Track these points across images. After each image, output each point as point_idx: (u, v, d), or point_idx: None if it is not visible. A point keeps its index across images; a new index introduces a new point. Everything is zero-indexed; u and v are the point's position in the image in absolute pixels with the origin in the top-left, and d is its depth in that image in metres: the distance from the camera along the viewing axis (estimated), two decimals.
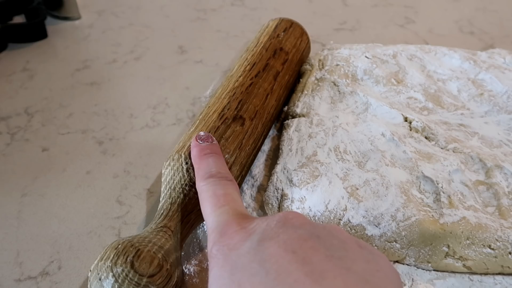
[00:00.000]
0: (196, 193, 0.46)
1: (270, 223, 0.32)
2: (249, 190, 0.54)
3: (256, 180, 0.55)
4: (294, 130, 0.55)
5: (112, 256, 0.39)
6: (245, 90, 0.55)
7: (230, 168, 0.48)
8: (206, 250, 0.49)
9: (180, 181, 0.46)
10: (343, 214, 0.45)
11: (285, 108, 0.60)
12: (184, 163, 0.47)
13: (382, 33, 0.82)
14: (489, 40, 0.80)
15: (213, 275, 0.32)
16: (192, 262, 0.48)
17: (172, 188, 0.46)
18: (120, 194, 0.54)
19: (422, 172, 0.48)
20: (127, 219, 0.52)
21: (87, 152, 0.59)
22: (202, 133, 0.47)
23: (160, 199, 0.47)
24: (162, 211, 0.45)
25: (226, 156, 0.48)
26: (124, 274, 0.38)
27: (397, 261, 0.47)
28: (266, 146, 0.59)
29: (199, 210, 0.46)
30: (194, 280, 0.46)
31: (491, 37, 0.80)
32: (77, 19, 0.84)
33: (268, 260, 0.28)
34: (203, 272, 0.47)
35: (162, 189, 0.47)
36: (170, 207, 0.45)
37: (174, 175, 0.47)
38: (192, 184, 0.46)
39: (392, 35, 0.81)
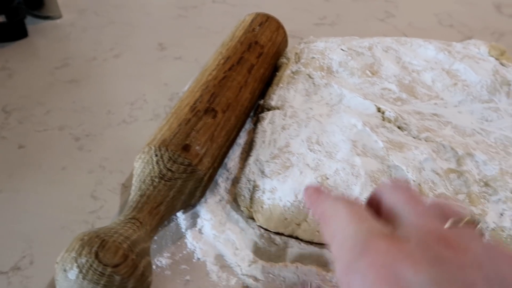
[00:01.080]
0: (165, 185, 0.46)
1: (435, 247, 0.27)
2: (223, 183, 0.54)
3: (231, 173, 0.55)
4: (268, 122, 0.55)
5: (77, 247, 0.39)
6: (218, 83, 0.55)
7: (201, 160, 0.48)
8: (185, 241, 0.49)
9: (150, 173, 0.46)
10: None
11: (261, 101, 0.60)
12: (154, 155, 0.47)
13: (362, 27, 0.82)
14: (468, 32, 0.80)
15: None
16: (165, 254, 0.48)
17: (142, 180, 0.46)
18: (95, 189, 0.54)
19: (393, 161, 0.48)
20: (101, 214, 0.52)
21: (64, 149, 0.59)
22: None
23: (131, 192, 0.47)
24: (131, 203, 0.45)
25: (197, 148, 0.48)
26: (88, 264, 0.38)
27: None
28: (242, 139, 0.59)
29: (169, 201, 0.46)
30: (166, 272, 0.46)
31: (470, 29, 0.80)
32: (58, 18, 0.84)
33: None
34: (175, 264, 0.47)
35: (133, 182, 0.48)
36: (140, 199, 0.45)
37: (144, 168, 0.47)
38: (161, 176, 0.46)
39: (372, 29, 0.81)
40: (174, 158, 0.47)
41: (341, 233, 0.30)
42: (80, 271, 0.38)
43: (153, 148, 0.47)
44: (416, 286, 0.25)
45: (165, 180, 0.46)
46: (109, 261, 0.38)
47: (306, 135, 0.51)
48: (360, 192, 0.45)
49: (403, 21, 0.83)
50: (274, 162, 0.49)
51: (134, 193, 0.46)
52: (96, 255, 0.38)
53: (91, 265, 0.38)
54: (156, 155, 0.47)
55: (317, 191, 0.37)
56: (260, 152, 0.51)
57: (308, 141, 0.51)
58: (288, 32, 0.78)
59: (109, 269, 0.38)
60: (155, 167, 0.46)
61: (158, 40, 0.79)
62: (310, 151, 0.50)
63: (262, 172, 0.49)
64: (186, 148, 0.47)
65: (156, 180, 0.46)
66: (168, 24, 0.83)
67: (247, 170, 0.50)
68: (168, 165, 0.46)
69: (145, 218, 0.44)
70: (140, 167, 0.48)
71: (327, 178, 0.47)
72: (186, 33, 0.81)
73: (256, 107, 0.63)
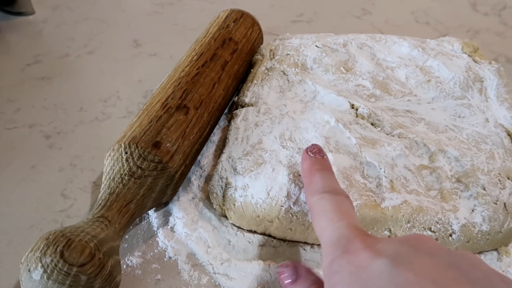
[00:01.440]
0: (135, 182, 0.45)
1: (401, 247, 0.31)
2: (196, 181, 0.54)
3: (204, 170, 0.55)
4: (242, 119, 0.54)
5: (42, 246, 0.38)
6: (190, 79, 0.54)
7: (172, 157, 0.47)
8: (160, 240, 0.48)
9: (120, 171, 0.46)
10: (285, 200, 0.45)
11: (235, 98, 0.59)
12: (123, 153, 0.46)
13: (338, 24, 0.82)
14: (444, 30, 0.80)
15: None
16: (135, 253, 0.47)
17: (111, 178, 0.46)
18: (65, 187, 0.53)
19: (366, 158, 0.48)
20: (71, 213, 0.51)
21: (34, 147, 0.58)
22: (314, 145, 0.45)
23: (100, 190, 0.46)
24: (100, 202, 0.44)
25: (168, 145, 0.47)
26: (53, 264, 0.37)
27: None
28: (216, 136, 0.58)
29: (139, 199, 0.45)
30: (136, 272, 0.46)
31: (445, 27, 0.81)
32: (31, 14, 0.83)
33: (406, 286, 0.28)
34: (146, 263, 0.46)
35: (102, 180, 0.47)
36: (109, 197, 0.44)
37: (113, 165, 0.46)
38: (131, 173, 0.45)
39: (349, 26, 0.81)
40: (144, 155, 0.46)
41: (326, 231, 0.36)
42: (45, 271, 0.37)
43: (122, 145, 0.47)
44: (373, 276, 0.29)
45: (135, 178, 0.45)
46: (75, 260, 0.37)
47: (279, 132, 0.51)
48: None
49: (379, 18, 0.83)
50: (247, 159, 0.49)
51: (103, 191, 0.45)
52: (61, 255, 0.37)
53: (56, 265, 0.37)
54: (126, 153, 0.46)
55: (311, 170, 0.42)
56: (233, 149, 0.51)
57: (281, 137, 0.50)
58: (265, 29, 0.77)
59: (74, 269, 0.37)
60: (125, 164, 0.46)
61: (133, 36, 0.78)
62: (283, 147, 0.49)
63: (235, 169, 0.49)
64: (156, 145, 0.47)
65: (126, 178, 0.45)
66: (144, 21, 0.82)
67: (219, 167, 0.50)
68: (138, 163, 0.46)
69: (114, 216, 0.43)
70: (109, 164, 0.47)
71: (299, 175, 0.46)
72: (161, 29, 0.80)
73: (231, 104, 0.62)
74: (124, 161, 0.46)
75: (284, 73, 0.59)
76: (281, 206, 0.45)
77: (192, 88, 0.53)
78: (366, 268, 0.30)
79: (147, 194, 0.46)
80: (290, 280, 0.39)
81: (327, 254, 0.34)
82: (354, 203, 0.44)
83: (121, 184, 0.45)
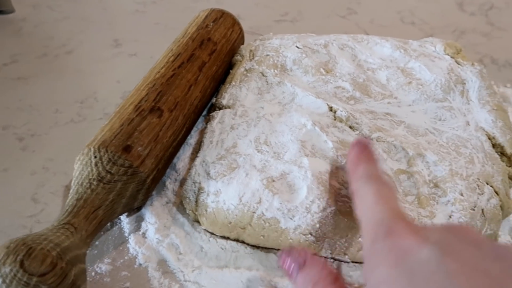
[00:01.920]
0: (104, 188, 0.44)
1: (446, 235, 0.31)
2: (171, 185, 0.52)
3: (179, 174, 0.53)
4: (218, 122, 0.53)
5: (1, 255, 0.36)
6: (165, 81, 0.53)
7: (143, 161, 0.46)
8: (135, 243, 0.47)
9: (88, 176, 0.44)
10: (257, 207, 0.44)
11: (214, 100, 0.58)
12: (93, 157, 0.45)
13: (323, 24, 0.80)
14: (430, 30, 0.79)
15: (380, 273, 0.30)
16: (105, 260, 0.46)
17: (79, 183, 0.44)
18: (36, 191, 0.52)
19: (342, 162, 0.47)
20: (41, 218, 0.50)
21: (6, 149, 0.57)
22: (361, 138, 0.44)
23: (69, 196, 0.45)
24: (67, 208, 0.43)
25: (139, 149, 0.46)
26: (12, 274, 0.36)
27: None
28: (194, 139, 0.57)
29: (108, 205, 0.44)
30: (105, 279, 0.45)
31: (431, 27, 0.80)
32: (11, 13, 0.81)
33: (455, 276, 0.27)
34: (115, 271, 0.45)
35: (71, 185, 0.45)
36: (76, 203, 0.43)
37: (82, 170, 0.45)
38: (100, 178, 0.44)
39: (333, 26, 0.80)
40: (114, 159, 0.45)
41: (368, 212, 0.35)
42: (4, 281, 0.36)
43: (92, 149, 0.45)
44: (421, 262, 0.29)
45: (104, 183, 0.44)
46: (35, 270, 0.36)
47: (255, 135, 0.50)
48: (306, 195, 0.44)
49: (365, 18, 0.82)
50: (220, 163, 0.48)
51: (71, 197, 0.44)
52: (21, 264, 0.36)
53: (15, 275, 0.36)
54: (95, 157, 0.45)
55: (359, 157, 0.41)
56: (207, 152, 0.49)
57: (256, 141, 0.49)
58: (248, 29, 0.76)
59: (34, 279, 0.36)
60: (94, 169, 0.44)
61: (113, 36, 0.77)
62: (258, 151, 0.48)
63: (208, 173, 0.47)
64: (127, 149, 0.46)
65: (94, 183, 0.44)
66: (125, 20, 0.81)
67: (193, 171, 0.49)
68: (108, 167, 0.44)
69: (81, 223, 0.42)
70: (78, 169, 0.46)
71: (273, 181, 0.45)
72: (143, 29, 0.79)
73: (210, 106, 0.61)
74: (93, 166, 0.45)
75: (263, 75, 0.58)
76: (253, 212, 0.44)
77: (167, 90, 0.52)
78: (412, 253, 0.30)
79: (116, 199, 0.45)
80: (296, 267, 0.37)
81: (369, 234, 0.34)
82: (329, 210, 0.43)
83: (89, 190, 0.44)
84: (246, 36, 0.69)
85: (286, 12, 0.83)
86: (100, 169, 0.44)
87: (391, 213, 0.34)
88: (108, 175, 0.44)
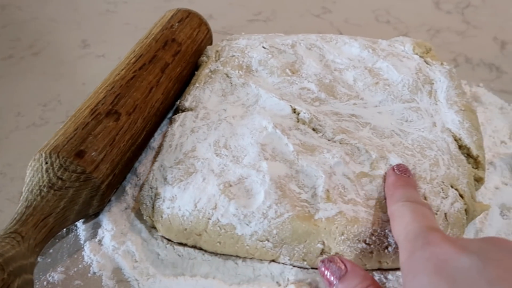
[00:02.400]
0: (55, 194, 0.42)
1: (484, 244, 0.32)
2: (131, 190, 0.51)
3: (140, 179, 0.52)
4: (179, 125, 0.52)
5: None
6: (125, 83, 0.51)
7: (97, 167, 0.45)
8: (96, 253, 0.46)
9: (39, 183, 0.43)
10: (212, 213, 0.43)
11: (178, 102, 0.57)
12: (44, 163, 0.44)
13: (296, 23, 0.79)
14: (404, 29, 0.78)
15: (420, 280, 0.31)
16: (58, 269, 0.45)
17: (29, 190, 0.43)
18: None
19: (303, 165, 0.46)
20: None
21: None
22: (400, 165, 0.45)
23: (19, 203, 0.43)
24: (15, 216, 0.42)
25: (93, 154, 0.45)
26: None
27: (272, 260, 0.44)
28: (157, 142, 0.56)
29: (59, 213, 0.43)
30: None
31: (406, 26, 0.79)
32: None
33: (498, 282, 0.28)
34: (68, 280, 0.44)
35: (22, 192, 0.44)
36: (24, 211, 0.42)
37: (33, 176, 0.44)
38: (51, 185, 0.42)
39: (307, 26, 0.78)
40: (66, 165, 0.43)
41: (406, 229, 0.37)
42: None
43: (43, 155, 0.44)
44: (461, 269, 0.30)
45: (55, 190, 0.43)
46: None
47: (214, 139, 0.49)
48: (264, 200, 0.43)
49: (339, 17, 0.80)
50: (178, 168, 0.46)
51: (20, 204, 0.43)
52: None
53: None
54: (46, 163, 0.44)
55: (395, 185, 0.43)
56: (165, 157, 0.48)
57: (216, 145, 0.48)
58: (220, 29, 0.75)
59: None
60: (44, 175, 0.43)
61: (81, 36, 0.75)
62: (216, 155, 0.47)
63: (165, 178, 0.46)
64: (80, 154, 0.44)
65: (45, 189, 0.42)
66: (95, 20, 0.79)
67: (150, 176, 0.47)
68: (59, 173, 0.43)
69: (29, 231, 0.41)
70: (29, 175, 0.44)
71: (231, 185, 0.44)
72: (112, 29, 0.77)
73: (176, 108, 0.60)
74: (44, 172, 0.43)
75: (228, 76, 0.57)
76: (209, 218, 0.43)
77: (126, 92, 0.51)
78: (452, 261, 0.31)
79: (68, 206, 0.43)
80: (337, 276, 0.38)
81: (406, 248, 0.35)
82: (286, 215, 0.42)
83: (39, 197, 0.42)
84: (218, 36, 0.67)
85: (259, 11, 0.82)
86: (51, 175, 0.43)
87: (428, 228, 0.35)
88: (59, 182, 0.43)
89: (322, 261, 0.39)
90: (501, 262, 0.30)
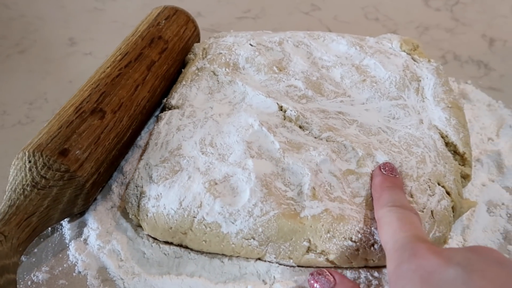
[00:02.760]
0: (38, 193, 0.42)
1: (470, 254, 0.32)
2: (117, 188, 0.51)
3: (126, 177, 0.52)
4: (165, 123, 0.51)
5: None
6: (110, 81, 0.51)
7: (81, 165, 0.44)
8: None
9: (22, 181, 0.42)
10: (198, 211, 0.43)
11: (164, 100, 0.56)
12: (27, 162, 0.43)
13: (285, 21, 0.79)
14: (393, 26, 0.78)
15: None
16: (43, 268, 0.44)
17: (13, 189, 0.43)
18: None
19: (289, 163, 0.46)
20: None
21: None
22: (387, 164, 0.45)
23: (2, 202, 0.43)
24: None
25: (77, 152, 0.44)
26: None
27: (258, 259, 0.44)
28: (144, 140, 0.55)
29: (43, 212, 0.42)
30: None
31: (395, 23, 0.79)
32: None
33: None
34: (53, 279, 0.43)
35: (6, 191, 0.44)
36: (7, 210, 0.41)
37: (16, 175, 0.43)
38: (34, 184, 0.42)
39: (296, 23, 0.78)
40: (49, 164, 0.43)
41: (393, 237, 0.37)
42: None
43: (26, 153, 0.44)
44: (447, 281, 0.31)
45: (38, 189, 0.42)
46: None
47: (200, 137, 0.48)
48: (249, 198, 0.42)
49: (328, 15, 0.80)
50: (163, 166, 0.46)
51: (3, 203, 0.42)
52: None
53: None
54: (30, 161, 0.43)
55: (381, 186, 0.43)
56: (151, 155, 0.48)
57: (201, 143, 0.48)
58: (208, 26, 0.75)
59: None
60: (28, 174, 0.43)
61: (69, 34, 0.74)
62: (202, 153, 0.46)
63: (150, 177, 0.46)
64: (63, 153, 0.44)
65: (28, 188, 0.42)
66: (82, 18, 0.79)
67: (136, 175, 0.47)
68: (42, 172, 0.43)
69: (12, 231, 0.40)
70: (12, 174, 0.44)
71: (216, 184, 0.44)
72: (100, 27, 0.77)
73: (162, 106, 0.59)
74: (27, 171, 0.43)
75: (214, 73, 0.56)
76: (194, 217, 0.43)
77: (111, 90, 0.50)
78: (437, 273, 0.31)
79: (52, 205, 0.43)
80: None
81: (393, 258, 0.35)
82: (272, 213, 0.42)
83: (22, 196, 0.42)
84: (207, 34, 0.67)
85: (248, 9, 0.82)
86: (35, 174, 0.43)
87: (413, 238, 0.36)
88: (43, 180, 0.42)
89: (311, 274, 0.39)
90: (485, 272, 0.30)
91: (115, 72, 0.52)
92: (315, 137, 0.49)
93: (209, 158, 0.46)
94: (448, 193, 0.46)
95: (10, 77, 0.66)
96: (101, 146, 0.47)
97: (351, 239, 0.42)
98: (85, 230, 0.47)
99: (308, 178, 0.44)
